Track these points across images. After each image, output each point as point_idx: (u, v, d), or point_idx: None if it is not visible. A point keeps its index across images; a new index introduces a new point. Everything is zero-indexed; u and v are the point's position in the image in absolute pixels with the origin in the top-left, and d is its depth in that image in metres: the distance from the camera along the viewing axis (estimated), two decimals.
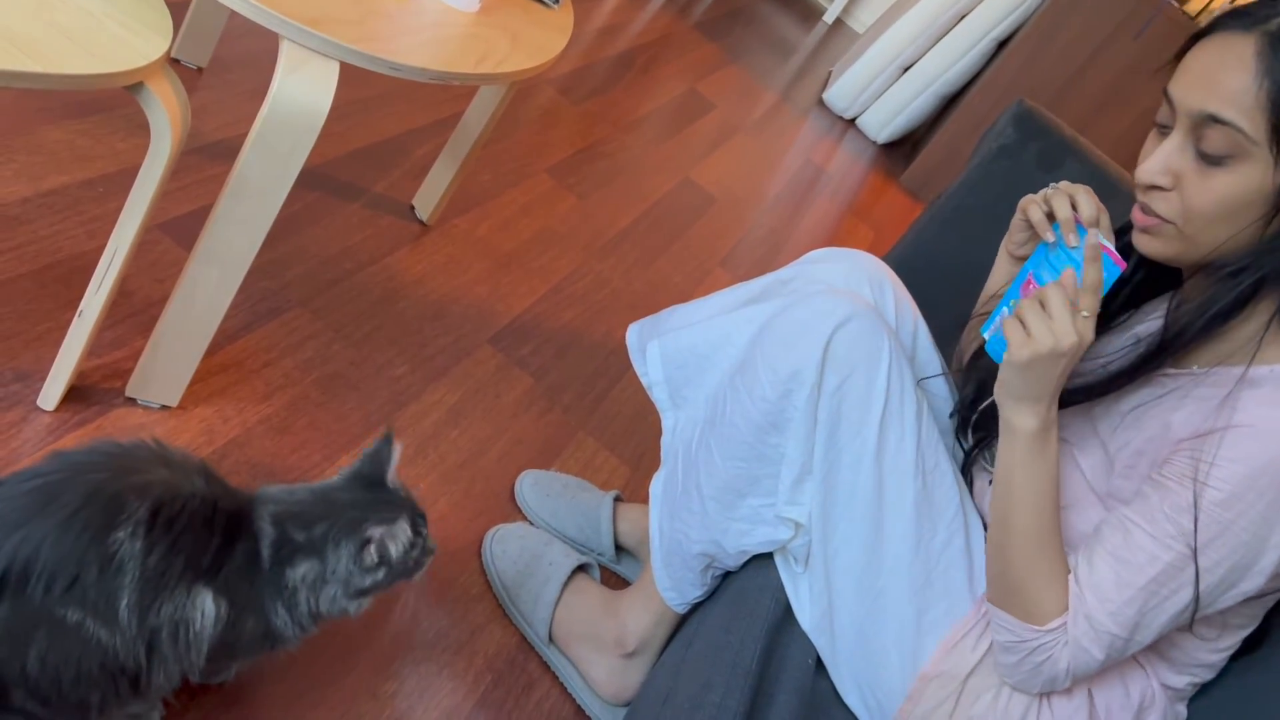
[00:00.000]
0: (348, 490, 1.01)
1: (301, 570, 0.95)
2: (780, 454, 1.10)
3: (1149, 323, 1.08)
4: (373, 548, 0.96)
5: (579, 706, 1.34)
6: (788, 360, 1.07)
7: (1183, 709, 1.04)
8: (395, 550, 0.98)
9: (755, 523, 1.13)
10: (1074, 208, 1.02)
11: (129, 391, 1.30)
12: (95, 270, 1.16)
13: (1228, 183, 0.88)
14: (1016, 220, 1.13)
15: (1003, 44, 3.76)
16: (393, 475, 1.04)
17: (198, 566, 0.87)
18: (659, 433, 1.30)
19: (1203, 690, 1.04)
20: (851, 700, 1.09)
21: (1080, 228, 1.00)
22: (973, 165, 1.64)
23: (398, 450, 1.04)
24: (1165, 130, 0.94)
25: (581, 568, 1.41)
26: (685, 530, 1.20)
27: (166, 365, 1.29)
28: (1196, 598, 0.88)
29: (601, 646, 1.32)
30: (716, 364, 1.21)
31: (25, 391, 1.23)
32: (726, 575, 1.24)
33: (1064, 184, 1.05)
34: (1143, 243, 0.98)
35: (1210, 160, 0.89)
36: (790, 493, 1.11)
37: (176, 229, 1.56)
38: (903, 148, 4.23)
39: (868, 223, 3.44)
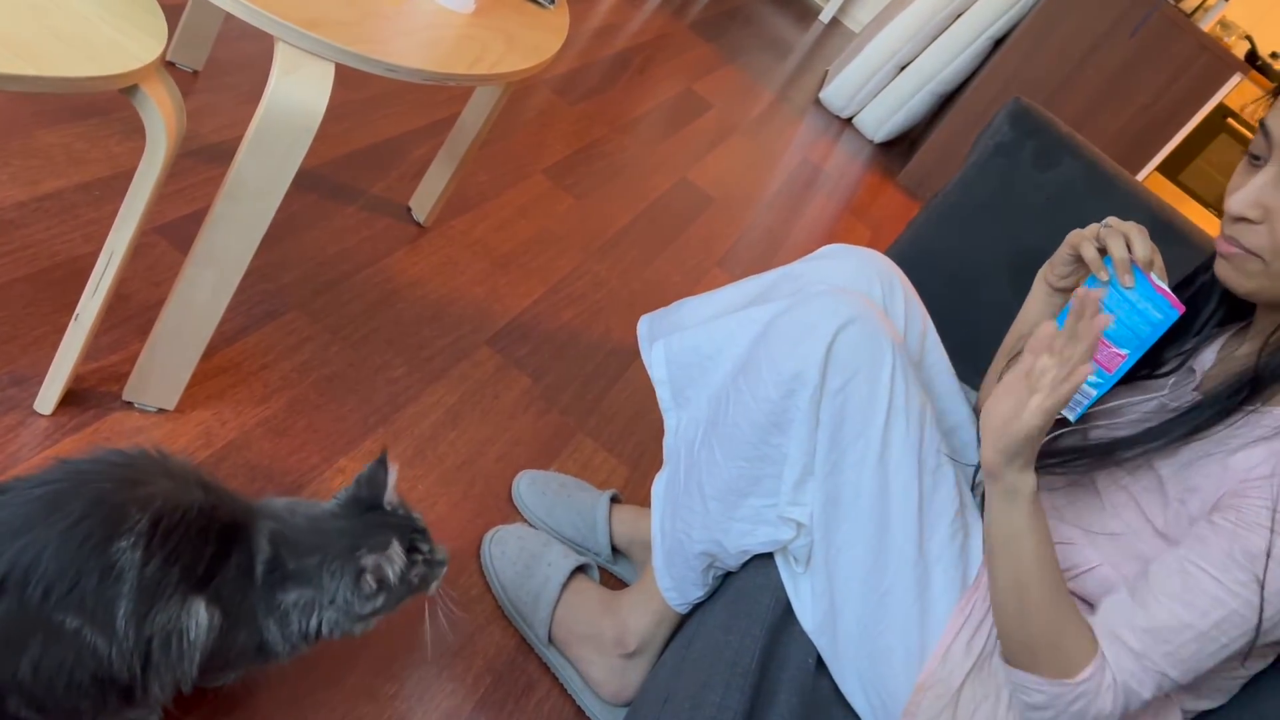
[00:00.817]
0: (344, 517, 1.00)
1: (293, 596, 0.94)
2: (782, 454, 1.10)
3: (1202, 357, 1.06)
4: (369, 576, 0.96)
5: (579, 707, 1.33)
6: (790, 360, 1.07)
7: None
8: (392, 574, 0.97)
9: (757, 523, 1.13)
10: (1129, 248, 1.00)
11: (126, 395, 1.30)
12: (91, 274, 1.16)
13: None
14: (1063, 254, 1.11)
15: (999, 42, 3.77)
16: (390, 495, 1.03)
17: (193, 577, 0.87)
18: (658, 433, 1.30)
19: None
20: (856, 700, 1.09)
21: (1136, 269, 0.99)
22: (969, 163, 1.65)
23: (394, 472, 1.03)
24: (1258, 161, 0.93)
25: (580, 568, 1.41)
26: (687, 530, 1.20)
27: (164, 368, 1.28)
28: (1254, 641, 0.87)
29: (601, 647, 1.32)
30: (720, 364, 1.21)
31: (22, 395, 1.23)
32: (727, 575, 1.24)
33: (1114, 220, 1.04)
34: (1225, 273, 0.97)
35: None
36: (792, 493, 1.11)
37: (173, 232, 1.56)
38: (900, 146, 4.24)
39: (865, 221, 3.44)
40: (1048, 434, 0.92)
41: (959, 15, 3.78)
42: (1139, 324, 0.99)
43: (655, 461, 1.76)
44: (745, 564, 1.20)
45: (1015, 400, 0.90)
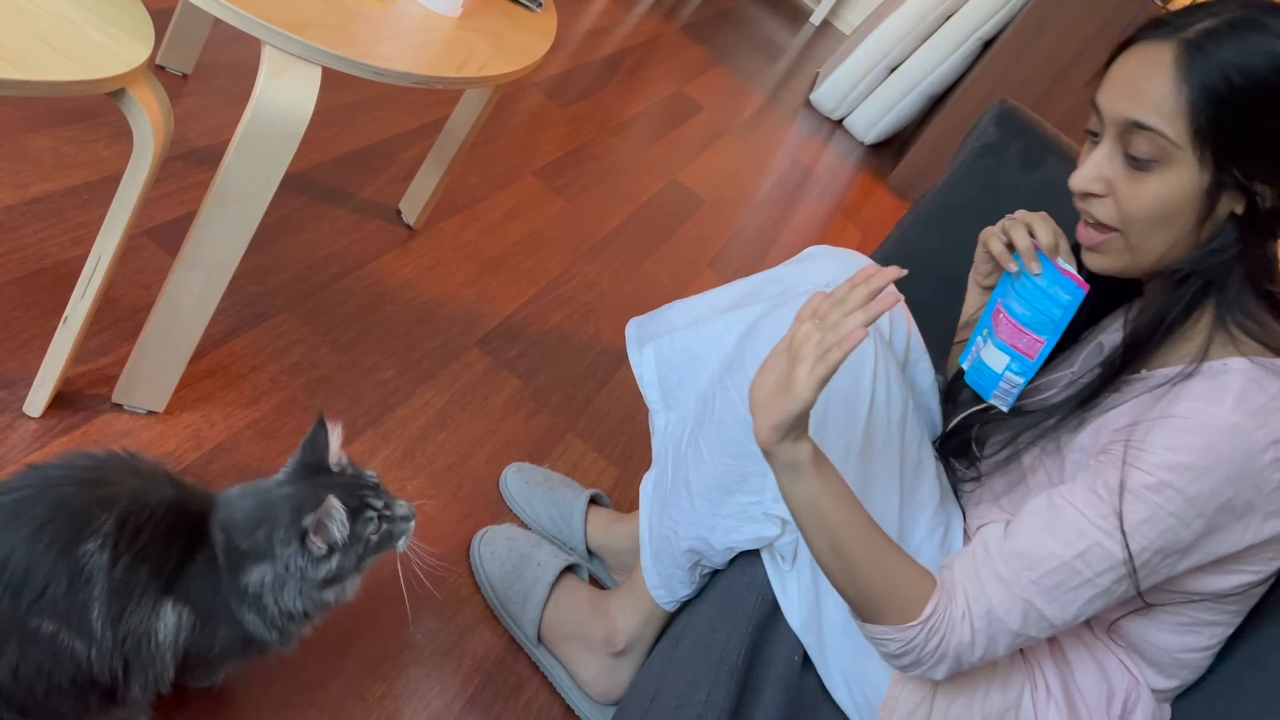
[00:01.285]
0: (289, 484, 0.98)
1: (254, 575, 0.93)
2: None
3: (1110, 334, 1.09)
4: (313, 537, 0.93)
5: (568, 706, 1.34)
6: None
7: (1168, 709, 1.04)
8: (337, 531, 0.94)
9: (743, 520, 1.14)
10: (1032, 235, 1.04)
11: (115, 397, 1.30)
12: (80, 277, 1.16)
13: (1158, 186, 0.91)
14: (979, 252, 1.15)
15: (988, 44, 3.78)
16: (337, 457, 1.01)
17: (162, 576, 0.87)
18: (647, 434, 1.31)
19: (1191, 688, 1.05)
20: (840, 696, 1.10)
21: (1041, 254, 1.03)
22: (956, 165, 1.66)
23: (335, 432, 1.00)
24: (1096, 139, 0.96)
25: (569, 568, 1.41)
26: (674, 527, 1.21)
27: (153, 371, 1.29)
28: (1136, 581, 0.88)
29: (590, 646, 1.33)
30: (707, 364, 1.22)
31: (11, 399, 1.23)
32: (714, 574, 1.25)
33: (1020, 213, 1.08)
34: (1093, 260, 1.00)
35: (1139, 165, 0.91)
36: (778, 490, 1.12)
37: (162, 235, 1.57)
38: (890, 148, 4.25)
39: (856, 223, 3.45)
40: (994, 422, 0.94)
41: (948, 17, 3.79)
42: (1050, 308, 1.02)
43: (644, 462, 1.77)
44: (732, 562, 1.20)
45: (779, 374, 0.89)
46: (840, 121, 4.21)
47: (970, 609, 0.91)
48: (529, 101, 2.76)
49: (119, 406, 1.30)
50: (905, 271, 0.90)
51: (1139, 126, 0.90)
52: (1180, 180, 0.89)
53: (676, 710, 0.99)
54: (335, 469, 1.00)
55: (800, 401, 0.86)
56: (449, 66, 1.30)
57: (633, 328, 1.38)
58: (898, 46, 3.89)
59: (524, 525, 1.54)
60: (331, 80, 1.14)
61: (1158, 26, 0.91)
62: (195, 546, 0.91)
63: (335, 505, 0.93)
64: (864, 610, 0.96)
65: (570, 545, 1.52)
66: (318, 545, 0.93)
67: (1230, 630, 1.01)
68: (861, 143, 4.14)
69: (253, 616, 0.94)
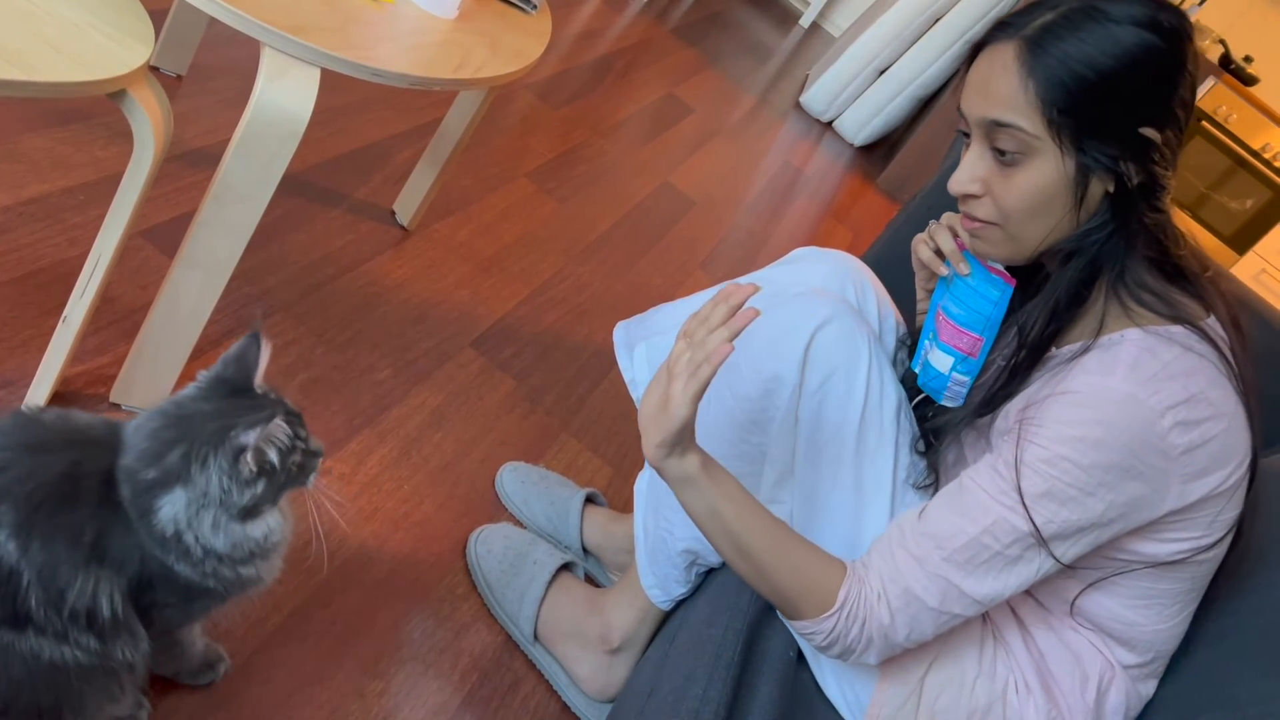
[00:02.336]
0: (207, 400, 0.90)
1: (168, 509, 0.85)
2: (762, 452, 1.12)
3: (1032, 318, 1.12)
4: (249, 456, 0.85)
5: (564, 704, 1.35)
6: (770, 360, 1.09)
7: (1147, 688, 1.06)
8: (274, 455, 0.87)
9: None
10: (957, 236, 1.07)
11: (113, 397, 1.30)
12: (79, 277, 1.17)
13: (1027, 178, 0.94)
14: (915, 259, 1.18)
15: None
16: (260, 379, 0.93)
17: (80, 547, 0.82)
18: (640, 434, 1.31)
19: (1175, 667, 1.06)
20: (832, 692, 1.11)
21: (968, 254, 1.06)
22: (945, 166, 1.67)
23: (266, 350, 0.94)
24: (968, 140, 0.99)
25: (566, 566, 1.42)
26: (669, 528, 1.22)
27: (151, 371, 1.29)
28: (1047, 549, 0.91)
29: (586, 644, 1.34)
30: None
31: (9, 399, 1.24)
32: (709, 571, 1.26)
33: (946, 215, 1.11)
34: (975, 246, 1.04)
35: (1007, 161, 0.95)
36: (772, 490, 1.13)
37: (157, 236, 1.57)
38: (880, 149, 4.27)
39: (846, 224, 3.47)
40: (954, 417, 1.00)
41: (938, 19, 3.82)
42: (983, 305, 1.04)
43: (638, 462, 1.78)
44: None
45: (660, 390, 0.94)
46: (830, 123, 4.23)
47: (886, 589, 0.94)
48: (521, 103, 2.77)
49: (117, 406, 1.31)
50: (760, 288, 0.95)
51: (998, 124, 0.94)
52: (1046, 170, 0.93)
53: (674, 704, 1.00)
54: (259, 391, 0.93)
55: (678, 418, 0.92)
56: (446, 68, 1.31)
57: (620, 331, 1.39)
58: (887, 49, 3.92)
59: (520, 524, 1.55)
60: (325, 81, 1.15)
61: (1003, 28, 0.96)
62: (104, 506, 0.84)
63: (282, 428, 0.87)
64: (785, 608, 1.00)
65: (566, 544, 1.53)
66: (250, 467, 0.86)
67: (1192, 603, 1.03)
68: (851, 145, 4.16)
69: (181, 564, 0.87)
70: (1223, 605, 1.05)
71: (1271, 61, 4.31)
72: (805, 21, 5.59)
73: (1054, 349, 1.00)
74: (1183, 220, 1.01)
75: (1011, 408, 0.99)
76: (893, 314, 1.30)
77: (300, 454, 0.92)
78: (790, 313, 1.11)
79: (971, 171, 0.98)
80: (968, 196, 0.99)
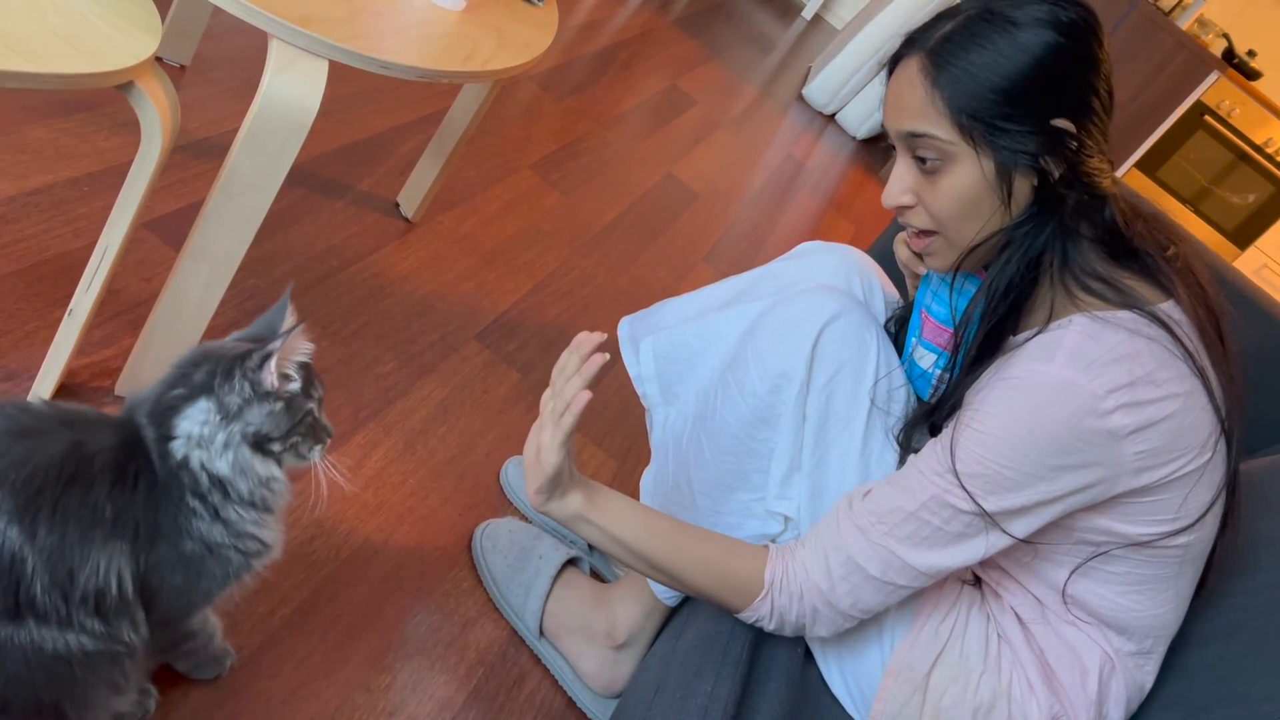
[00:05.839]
0: (234, 344, 0.93)
1: (184, 424, 0.87)
2: (770, 449, 1.12)
3: None
4: (272, 363, 0.87)
5: (570, 699, 1.35)
6: (778, 356, 1.09)
7: (1148, 676, 1.05)
8: (295, 372, 0.89)
9: (745, 516, 1.15)
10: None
11: (119, 390, 1.30)
12: (85, 269, 1.16)
13: (951, 183, 0.97)
14: (898, 260, 1.20)
15: None
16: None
17: (102, 524, 0.82)
18: (645, 428, 1.31)
19: (1186, 664, 1.06)
20: (838, 688, 1.11)
21: None
22: None
23: (292, 312, 0.95)
24: (895, 156, 1.02)
25: (571, 561, 1.42)
26: None
27: (157, 363, 1.28)
28: (992, 521, 0.92)
29: (592, 639, 1.34)
30: (708, 360, 1.23)
31: (15, 390, 1.23)
32: None
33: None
34: (930, 263, 1.07)
35: (930, 169, 0.98)
36: (780, 487, 1.13)
37: (162, 227, 1.56)
38: (882, 143, 4.26)
39: (848, 217, 3.46)
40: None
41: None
42: (960, 303, 1.05)
43: (643, 456, 1.78)
44: None
45: (536, 438, 0.99)
46: (832, 116, 4.22)
47: (830, 558, 0.97)
48: (524, 94, 2.76)
49: (122, 399, 1.30)
50: (605, 336, 1.01)
51: (914, 135, 0.97)
52: (967, 173, 0.96)
53: (682, 701, 1.00)
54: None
55: (549, 464, 0.97)
56: (454, 60, 1.30)
57: (624, 326, 1.38)
58: (890, 41, 3.89)
59: (525, 518, 1.55)
60: (330, 72, 1.14)
61: (910, 43, 1.01)
62: (120, 481, 0.84)
63: (306, 345, 0.91)
64: (719, 604, 1.03)
65: (571, 539, 1.53)
66: (272, 376, 0.88)
67: (1185, 587, 1.03)
68: (854, 138, 4.15)
69: (188, 516, 0.89)
70: (1234, 602, 1.05)
71: (1275, 56, 4.30)
72: (808, 14, 5.58)
73: (1011, 337, 1.02)
74: (1181, 212, 1.02)
75: (969, 394, 1.01)
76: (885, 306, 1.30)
77: (316, 406, 0.95)
78: (798, 308, 1.11)
79: (900, 184, 1.01)
80: (902, 208, 1.03)
